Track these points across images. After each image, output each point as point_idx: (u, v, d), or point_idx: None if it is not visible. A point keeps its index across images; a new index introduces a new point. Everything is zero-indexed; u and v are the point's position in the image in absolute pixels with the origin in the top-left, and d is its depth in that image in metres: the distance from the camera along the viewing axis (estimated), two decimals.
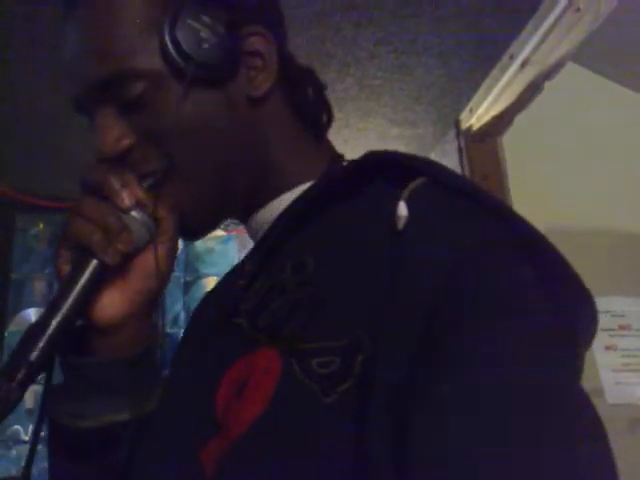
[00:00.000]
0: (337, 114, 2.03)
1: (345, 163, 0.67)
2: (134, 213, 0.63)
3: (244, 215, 0.73)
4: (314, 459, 0.50)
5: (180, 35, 0.61)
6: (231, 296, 0.67)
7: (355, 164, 0.65)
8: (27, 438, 2.33)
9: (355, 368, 0.51)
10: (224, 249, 2.79)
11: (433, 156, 2.19)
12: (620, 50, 2.09)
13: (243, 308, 0.64)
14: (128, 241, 0.62)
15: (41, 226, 2.62)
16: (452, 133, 2.18)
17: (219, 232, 2.71)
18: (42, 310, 0.61)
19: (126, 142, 0.64)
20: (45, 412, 0.65)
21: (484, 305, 0.49)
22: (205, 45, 0.62)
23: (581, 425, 0.46)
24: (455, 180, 0.60)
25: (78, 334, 0.67)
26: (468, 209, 0.56)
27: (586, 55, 2.01)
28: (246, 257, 0.72)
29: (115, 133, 0.64)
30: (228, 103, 0.65)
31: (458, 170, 2.07)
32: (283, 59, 0.70)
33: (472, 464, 0.43)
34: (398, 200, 0.57)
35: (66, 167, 2.08)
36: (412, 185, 0.59)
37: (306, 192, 0.66)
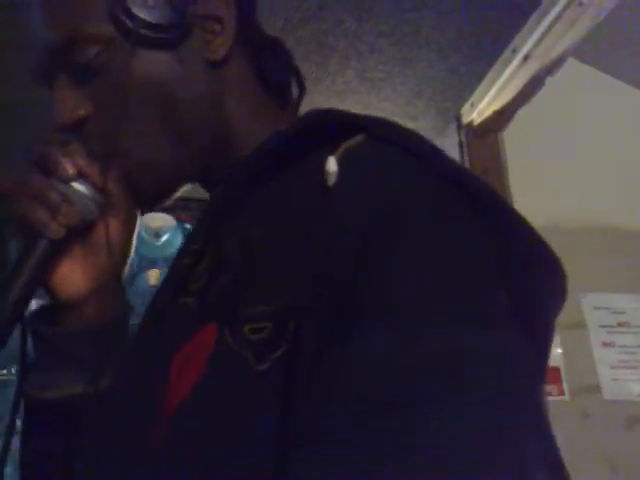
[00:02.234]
0: (337, 107, 2.03)
1: (284, 127, 0.64)
2: (76, 185, 0.62)
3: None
4: (244, 430, 0.48)
5: None
6: (178, 276, 0.65)
7: (294, 127, 0.63)
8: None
9: (288, 333, 0.49)
10: None
11: None
12: (622, 46, 2.08)
13: (192, 287, 0.61)
14: (69, 214, 0.62)
15: None
16: (453, 127, 2.18)
17: None
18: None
19: (82, 112, 0.64)
20: (20, 388, 0.65)
21: (407, 252, 0.47)
22: (150, 3, 0.62)
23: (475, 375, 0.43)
24: (397, 135, 0.57)
25: (52, 306, 0.67)
26: (404, 162, 0.54)
27: (588, 51, 2.00)
28: (190, 234, 0.70)
29: (71, 103, 0.64)
30: (182, 66, 0.64)
31: None
32: (246, 25, 0.69)
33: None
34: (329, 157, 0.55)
35: None
36: (349, 142, 0.57)
37: (244, 161, 0.65)
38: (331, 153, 0.55)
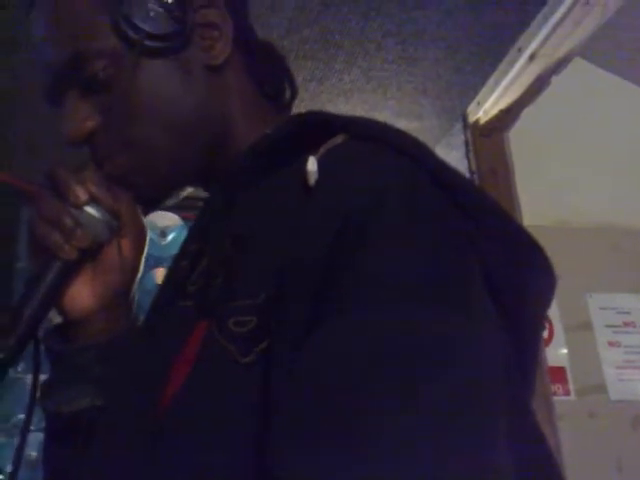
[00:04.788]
0: (343, 106, 2.03)
1: (269, 131, 0.67)
2: (88, 209, 0.66)
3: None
4: (230, 423, 0.50)
5: (128, 9, 0.63)
6: (176, 278, 0.68)
7: (279, 130, 0.66)
8: (31, 427, 2.31)
9: (272, 326, 0.51)
10: None
11: (439, 149, 2.18)
12: (628, 46, 2.08)
13: (190, 290, 0.64)
14: (82, 237, 0.65)
15: None
16: (459, 126, 2.17)
17: None
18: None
19: (90, 124, 0.66)
20: (33, 401, 0.69)
21: (381, 244, 0.49)
22: (152, 14, 0.64)
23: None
24: (376, 133, 0.59)
25: (64, 324, 0.70)
26: (382, 158, 0.56)
27: (594, 51, 2.00)
28: (187, 236, 0.73)
29: (79, 116, 0.66)
30: (185, 72, 0.67)
31: (464, 164, 2.06)
32: (241, 30, 0.71)
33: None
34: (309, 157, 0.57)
35: (72, 158, 2.07)
36: (330, 142, 0.59)
37: (233, 163, 0.67)
38: (313, 153, 0.58)
